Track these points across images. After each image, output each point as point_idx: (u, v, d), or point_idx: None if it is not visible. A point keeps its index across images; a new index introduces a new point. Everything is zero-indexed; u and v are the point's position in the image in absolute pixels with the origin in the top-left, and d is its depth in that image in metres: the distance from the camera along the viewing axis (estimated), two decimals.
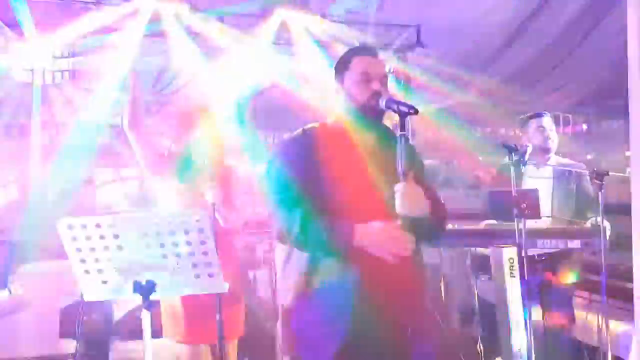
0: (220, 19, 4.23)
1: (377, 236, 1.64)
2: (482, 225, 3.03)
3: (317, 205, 1.70)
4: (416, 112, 1.64)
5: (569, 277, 3.05)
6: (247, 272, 3.61)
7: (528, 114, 3.30)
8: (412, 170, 1.68)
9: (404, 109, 1.65)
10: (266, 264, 3.60)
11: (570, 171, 3.12)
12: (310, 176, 1.72)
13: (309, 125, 1.87)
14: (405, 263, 1.66)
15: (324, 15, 4.35)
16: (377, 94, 1.75)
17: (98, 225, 1.59)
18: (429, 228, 1.73)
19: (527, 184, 3.08)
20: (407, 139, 1.65)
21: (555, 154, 3.23)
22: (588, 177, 3.04)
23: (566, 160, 3.25)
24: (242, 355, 3.06)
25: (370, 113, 1.77)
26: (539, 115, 3.24)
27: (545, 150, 3.15)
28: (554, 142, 3.17)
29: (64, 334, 3.25)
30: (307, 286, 1.74)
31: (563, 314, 3.02)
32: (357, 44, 4.20)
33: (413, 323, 1.71)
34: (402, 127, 1.64)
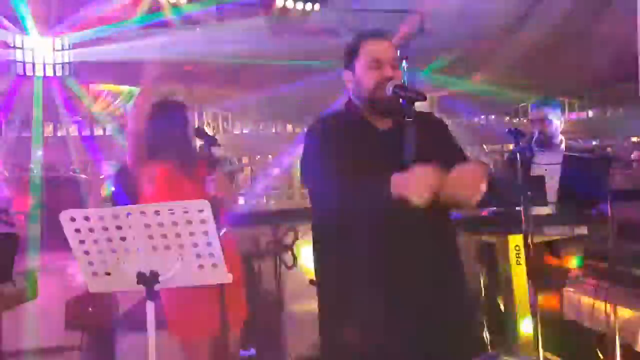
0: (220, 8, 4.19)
1: (407, 176, 1.54)
2: (488, 212, 3.01)
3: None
4: (424, 98, 1.61)
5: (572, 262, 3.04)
6: (251, 262, 3.60)
7: (529, 102, 3.28)
8: (429, 154, 1.62)
9: (411, 95, 1.61)
10: (270, 255, 3.59)
11: (578, 157, 3.09)
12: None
13: (326, 113, 1.86)
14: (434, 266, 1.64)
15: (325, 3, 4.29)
16: (386, 80, 1.70)
17: (101, 217, 1.58)
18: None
19: (535, 170, 3.05)
20: (441, 123, 1.62)
21: (567, 138, 3.20)
22: (595, 163, 3.01)
23: (577, 146, 3.23)
24: (248, 345, 3.06)
25: (379, 100, 1.73)
26: (537, 104, 3.21)
27: (546, 139, 3.12)
28: (552, 131, 3.14)
29: (69, 326, 3.26)
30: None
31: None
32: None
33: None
34: (410, 113, 1.60)
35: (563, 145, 3.19)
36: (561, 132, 3.24)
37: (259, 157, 13.84)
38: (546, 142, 3.14)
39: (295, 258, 3.63)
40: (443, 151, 1.76)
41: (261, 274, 3.66)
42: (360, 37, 1.81)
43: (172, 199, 2.26)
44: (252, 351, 3.18)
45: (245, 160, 13.53)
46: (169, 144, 2.41)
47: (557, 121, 3.19)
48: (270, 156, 13.98)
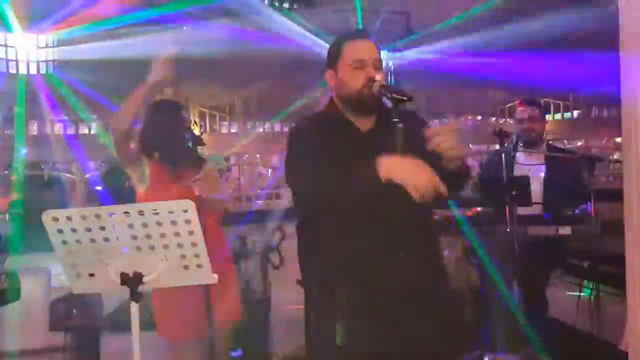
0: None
1: (401, 164, 1.53)
2: (474, 211, 3.03)
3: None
4: (410, 99, 1.60)
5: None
6: (238, 263, 3.59)
7: (515, 102, 3.32)
8: (413, 155, 1.60)
9: (396, 96, 1.61)
10: (256, 255, 3.58)
11: (562, 157, 3.13)
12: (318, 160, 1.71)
13: (308, 115, 1.86)
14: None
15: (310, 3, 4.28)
16: (370, 80, 1.71)
17: (83, 217, 1.56)
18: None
19: (519, 170, 3.08)
20: (424, 123, 1.64)
21: (548, 139, 3.24)
22: (580, 163, 3.05)
23: (560, 146, 3.27)
24: (235, 346, 3.05)
25: (365, 100, 1.73)
26: (524, 103, 3.25)
27: (531, 139, 3.16)
28: (537, 132, 3.18)
29: (53, 327, 3.23)
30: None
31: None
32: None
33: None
34: (396, 114, 1.60)
35: (547, 146, 3.22)
36: (546, 133, 3.28)
37: (246, 156, 13.77)
38: (531, 143, 3.17)
39: (282, 258, 3.63)
40: (427, 152, 1.76)
41: (248, 274, 3.65)
42: (343, 38, 1.81)
43: (160, 199, 2.24)
44: (239, 352, 3.17)
45: (232, 159, 13.46)
46: (162, 144, 2.38)
47: (542, 122, 3.22)
48: (257, 156, 13.91)
